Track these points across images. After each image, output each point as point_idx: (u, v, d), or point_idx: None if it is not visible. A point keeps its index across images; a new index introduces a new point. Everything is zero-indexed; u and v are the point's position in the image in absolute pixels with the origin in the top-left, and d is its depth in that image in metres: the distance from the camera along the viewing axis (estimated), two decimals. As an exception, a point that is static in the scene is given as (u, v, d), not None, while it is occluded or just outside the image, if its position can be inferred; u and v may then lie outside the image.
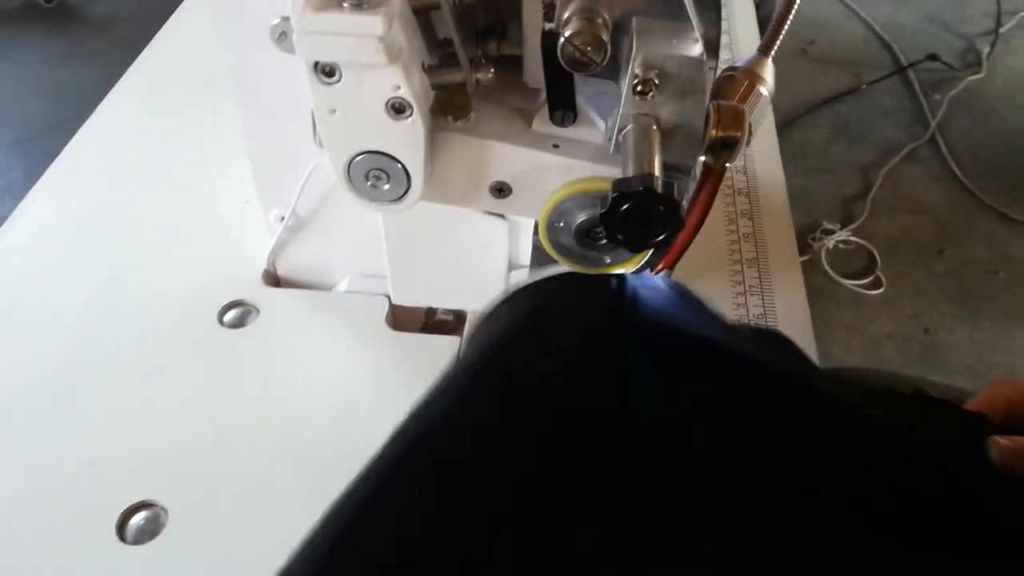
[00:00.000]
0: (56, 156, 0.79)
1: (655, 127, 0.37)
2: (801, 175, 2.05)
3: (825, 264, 1.80)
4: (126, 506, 0.52)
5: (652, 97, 0.36)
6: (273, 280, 0.68)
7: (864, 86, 2.28)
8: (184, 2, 1.01)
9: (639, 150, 0.35)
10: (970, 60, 2.41)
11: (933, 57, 2.34)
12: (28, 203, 0.74)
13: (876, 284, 1.80)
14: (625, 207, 0.33)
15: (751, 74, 0.48)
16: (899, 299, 1.79)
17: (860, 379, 0.56)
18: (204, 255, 0.69)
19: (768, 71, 0.49)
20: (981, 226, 1.92)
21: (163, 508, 0.53)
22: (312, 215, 0.64)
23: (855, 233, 1.91)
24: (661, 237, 0.34)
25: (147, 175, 0.78)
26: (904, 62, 2.37)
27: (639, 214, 0.33)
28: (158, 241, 0.71)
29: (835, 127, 2.21)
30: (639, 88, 0.35)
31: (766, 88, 0.48)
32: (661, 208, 0.33)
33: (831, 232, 1.87)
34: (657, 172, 0.34)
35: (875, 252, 1.86)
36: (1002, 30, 2.46)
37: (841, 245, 1.87)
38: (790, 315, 0.65)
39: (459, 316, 0.67)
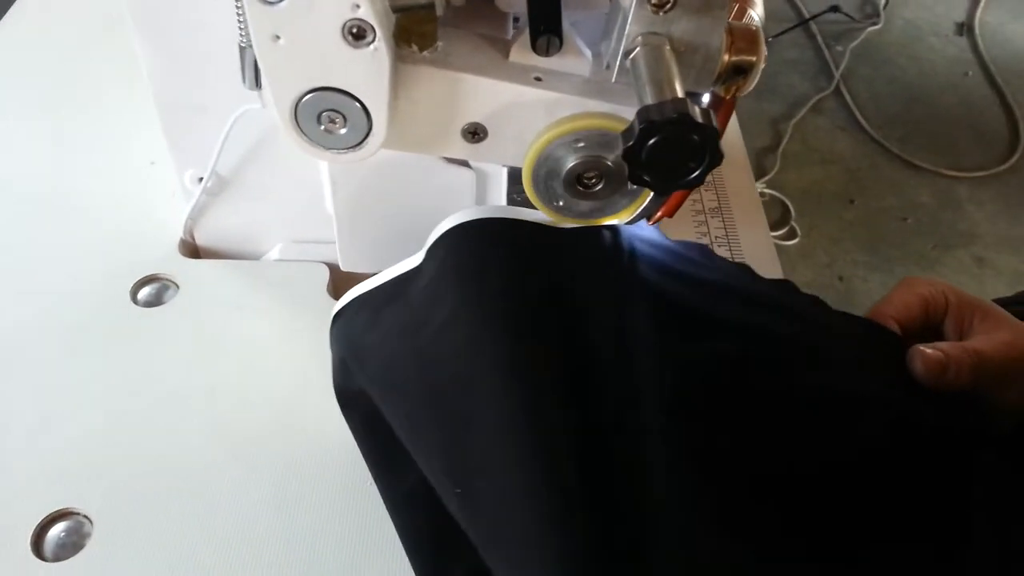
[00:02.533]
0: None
1: (668, 47, 0.31)
2: (715, 129, 2.05)
3: (743, 216, 1.81)
4: (42, 517, 0.45)
5: (667, 11, 0.30)
6: (192, 251, 0.60)
7: (770, 39, 2.30)
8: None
9: (656, 74, 0.30)
10: (868, 11, 2.46)
11: (834, 8, 2.38)
12: None
13: (791, 235, 1.82)
14: (655, 140, 0.27)
15: (741, -2, 0.43)
16: (814, 249, 1.82)
17: None
18: (107, 227, 0.60)
19: (757, -5, 0.44)
20: (888, 175, 1.97)
21: (85, 517, 0.45)
22: (235, 174, 0.56)
23: (769, 185, 1.92)
24: (695, 174, 0.29)
25: (31, 139, 0.67)
26: (806, 14, 2.39)
27: (671, 147, 0.28)
28: (52, 216, 0.61)
29: (744, 80, 2.22)
30: (655, 1, 0.30)
31: (756, 13, 0.43)
32: (696, 138, 0.27)
33: (746, 185, 1.88)
34: (681, 95, 0.29)
35: (789, 203, 1.88)
36: (896, -19, 2.51)
37: (756, 197, 1.89)
38: (760, 265, 0.61)
39: (408, 282, 0.61)
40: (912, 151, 2.01)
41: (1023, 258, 1.80)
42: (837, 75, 2.21)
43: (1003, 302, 0.48)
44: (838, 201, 1.91)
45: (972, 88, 2.23)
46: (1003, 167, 1.99)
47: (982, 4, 2.48)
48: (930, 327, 0.46)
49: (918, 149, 2.01)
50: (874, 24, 2.39)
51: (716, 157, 0.28)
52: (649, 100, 0.29)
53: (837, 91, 2.18)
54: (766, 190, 1.91)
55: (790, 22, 2.36)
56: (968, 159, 2.01)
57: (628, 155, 0.28)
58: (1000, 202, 1.92)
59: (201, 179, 0.56)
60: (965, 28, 2.43)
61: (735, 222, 0.64)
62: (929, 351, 0.41)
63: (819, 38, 2.34)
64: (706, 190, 0.66)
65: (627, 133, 0.28)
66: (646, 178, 0.29)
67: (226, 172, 0.56)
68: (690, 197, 0.65)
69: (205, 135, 0.53)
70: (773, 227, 1.82)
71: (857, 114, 2.11)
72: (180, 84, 0.50)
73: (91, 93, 0.71)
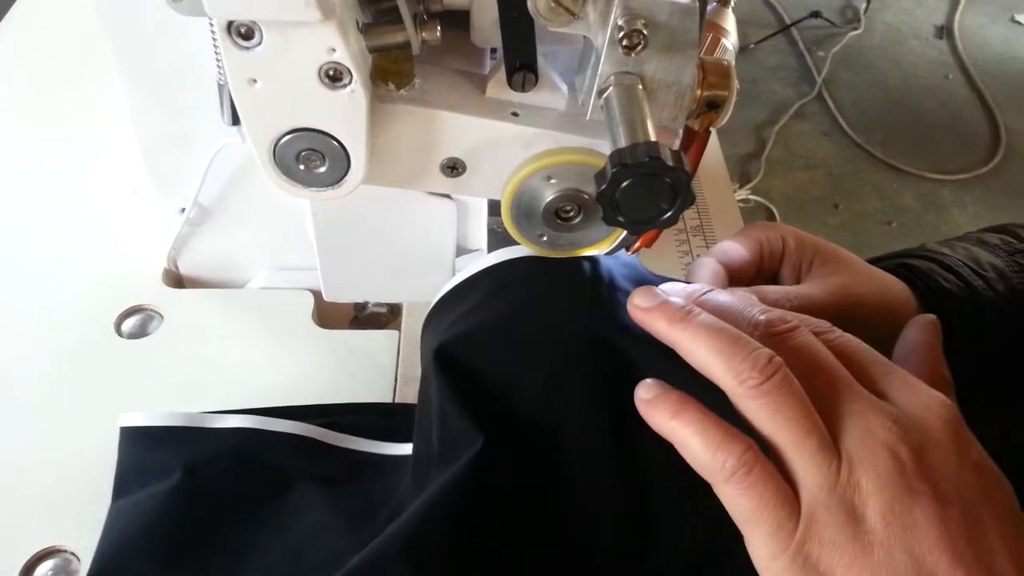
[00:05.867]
0: None
1: (640, 87, 0.32)
2: (699, 136, 2.06)
3: (729, 224, 1.83)
4: (29, 555, 0.45)
5: (639, 52, 0.31)
6: (176, 280, 0.60)
7: (752, 45, 2.32)
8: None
9: (629, 114, 0.30)
10: (849, 16, 2.48)
11: (816, 14, 2.40)
12: None
13: (778, 241, 1.83)
14: (627, 183, 0.28)
15: (714, 26, 0.44)
16: (799, 254, 1.83)
17: None
18: (90, 258, 0.60)
19: (730, 22, 0.45)
20: (871, 179, 1.98)
21: (73, 554, 0.45)
22: (217, 204, 0.56)
23: (754, 191, 1.94)
24: (667, 215, 0.29)
25: (12, 168, 0.67)
26: (787, 20, 2.41)
27: (644, 189, 0.28)
28: (32, 247, 0.61)
29: (727, 87, 2.23)
30: (625, 42, 0.30)
31: (730, 41, 0.44)
32: (668, 181, 0.28)
33: (732, 191, 1.89)
34: (653, 138, 0.29)
35: (774, 209, 1.90)
36: (876, -14, 2.53)
37: (741, 204, 1.89)
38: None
39: (393, 309, 0.61)
40: (895, 155, 2.02)
41: (1006, 259, 1.81)
42: (819, 80, 2.23)
43: (874, 260, 0.47)
44: (823, 206, 1.92)
45: (953, 91, 2.25)
46: (985, 169, 2.01)
47: (961, 7, 2.51)
48: (767, 272, 0.44)
49: (901, 152, 2.03)
50: (855, 29, 2.41)
51: (687, 199, 0.29)
52: (622, 142, 0.29)
53: (819, 96, 2.20)
54: (751, 196, 1.93)
55: (771, 28, 2.38)
56: (951, 161, 2.03)
57: (601, 198, 0.29)
58: (983, 204, 1.94)
59: (183, 209, 0.56)
60: (944, 31, 2.46)
61: (717, 238, 0.65)
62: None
63: (800, 44, 2.36)
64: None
65: (600, 176, 0.29)
66: (620, 219, 0.29)
67: (207, 201, 0.56)
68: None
69: (186, 166, 0.53)
70: (759, 234, 1.83)
71: (840, 119, 2.13)
72: (160, 116, 0.51)
73: (72, 121, 0.71)
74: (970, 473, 0.30)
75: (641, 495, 0.36)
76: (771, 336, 0.33)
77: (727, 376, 0.31)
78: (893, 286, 0.44)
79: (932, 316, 0.39)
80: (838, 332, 0.34)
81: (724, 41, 0.43)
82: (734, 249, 0.43)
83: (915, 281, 0.44)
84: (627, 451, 0.36)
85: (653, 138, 0.29)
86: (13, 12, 0.83)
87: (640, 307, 0.34)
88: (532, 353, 0.37)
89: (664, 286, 0.37)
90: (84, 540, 0.46)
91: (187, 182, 0.54)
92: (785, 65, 2.31)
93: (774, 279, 0.44)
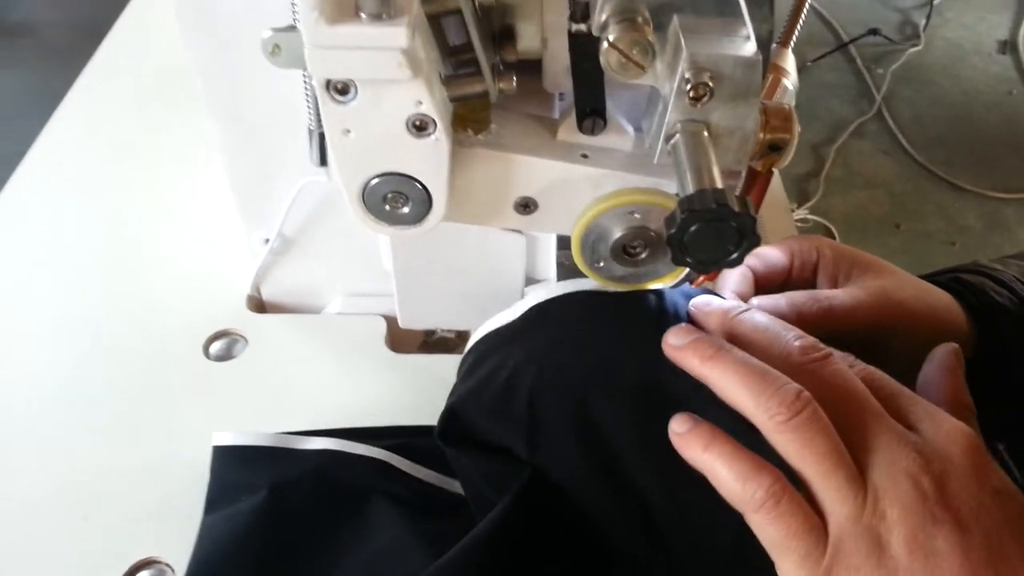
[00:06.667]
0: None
1: (706, 133, 0.34)
2: (755, 156, 2.06)
3: (786, 244, 1.82)
4: (128, 566, 0.48)
5: (705, 103, 0.33)
6: (258, 306, 0.64)
7: (809, 63, 2.31)
8: (126, 10, 0.95)
9: (696, 161, 0.32)
10: (908, 33, 2.46)
11: (874, 31, 2.38)
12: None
13: (836, 261, 1.81)
14: (696, 227, 0.30)
15: (775, 67, 0.46)
16: (859, 274, 1.81)
17: None
18: (181, 284, 0.64)
19: (790, 63, 0.47)
20: (934, 198, 1.95)
21: (167, 566, 0.48)
22: (299, 235, 0.59)
23: (812, 211, 1.92)
24: (733, 256, 0.31)
25: (106, 202, 0.72)
26: (845, 38, 2.40)
27: (711, 233, 0.30)
28: (128, 275, 0.65)
29: (784, 106, 2.23)
30: (691, 94, 0.33)
31: (790, 81, 0.46)
32: (734, 225, 0.30)
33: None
34: (720, 184, 0.31)
35: (833, 229, 1.88)
36: (935, 2, 2.50)
37: (799, 224, 1.89)
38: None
39: (461, 333, 0.64)
40: (957, 173, 1.99)
41: (1075, 279, 1.77)
42: (878, 98, 2.21)
43: (926, 276, 0.47)
44: (883, 226, 1.90)
45: (1016, 107, 2.21)
46: (1051, 187, 1.97)
47: (1025, 21, 2.46)
48: (800, 282, 0.44)
49: (963, 171, 2.00)
50: (914, 46, 2.38)
51: (753, 242, 0.31)
52: (690, 187, 0.32)
53: (879, 114, 2.18)
54: (810, 216, 1.91)
55: (829, 46, 2.36)
56: (1014, 179, 1.99)
57: (671, 240, 0.31)
58: (1049, 223, 1.90)
59: (267, 240, 0.59)
60: (1008, 46, 2.41)
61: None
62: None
63: (859, 61, 2.34)
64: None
65: (670, 220, 0.31)
66: (688, 260, 0.31)
67: (290, 232, 0.59)
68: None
69: (271, 201, 0.57)
70: (817, 253, 1.81)
71: (900, 137, 2.11)
72: (250, 156, 0.54)
73: (159, 154, 0.76)
74: (991, 499, 0.31)
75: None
76: (804, 364, 0.34)
77: (757, 412, 0.32)
78: (937, 294, 0.44)
79: (954, 344, 0.39)
80: (862, 364, 0.36)
81: (784, 81, 0.45)
82: (767, 254, 0.44)
83: (966, 295, 0.44)
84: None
85: (719, 183, 0.32)
86: (103, 47, 0.89)
87: (673, 346, 0.36)
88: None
89: (700, 299, 0.39)
90: (178, 552, 0.49)
91: (272, 215, 0.57)
92: (843, 83, 2.30)
93: (811, 286, 0.44)
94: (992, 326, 0.41)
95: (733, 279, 0.43)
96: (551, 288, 0.43)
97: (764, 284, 0.43)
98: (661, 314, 0.40)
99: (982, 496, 0.31)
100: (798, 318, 0.39)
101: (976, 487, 0.31)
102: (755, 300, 0.40)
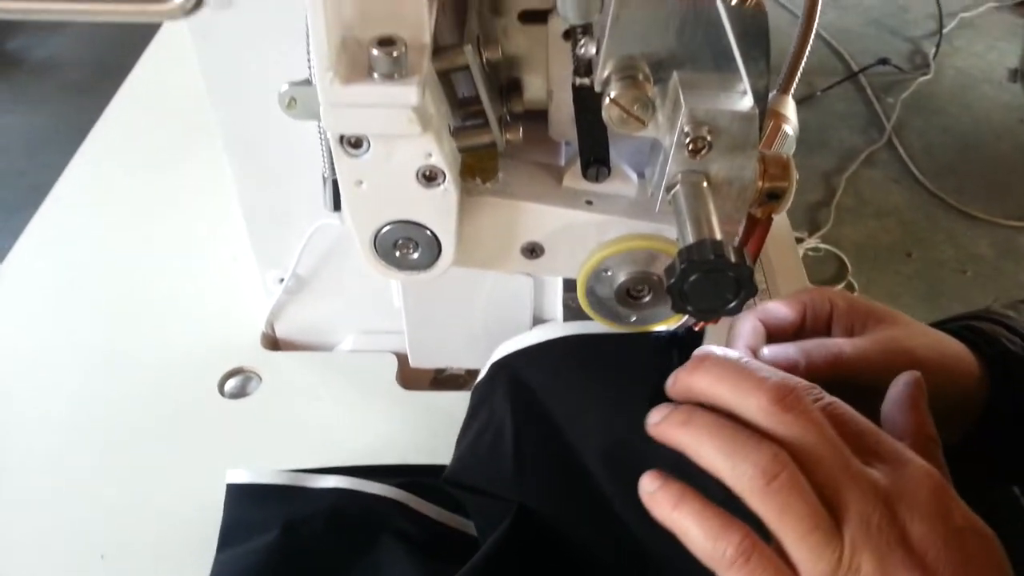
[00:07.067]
0: (10, 209, 0.75)
1: (705, 183, 0.35)
2: (766, 185, 2.07)
3: (798, 273, 1.82)
4: (141, 606, 0.49)
5: (704, 155, 0.34)
6: (272, 343, 0.65)
7: (818, 93, 2.32)
8: (146, 53, 0.98)
9: (696, 211, 0.34)
10: (918, 62, 2.47)
11: (884, 61, 2.39)
12: (1, 275, 0.70)
13: (848, 290, 1.81)
14: (695, 278, 0.31)
15: (775, 114, 0.47)
16: (871, 303, 1.81)
17: None
18: (197, 321, 0.66)
19: (790, 109, 0.48)
20: (945, 226, 1.95)
21: (181, 603, 0.49)
22: (312, 275, 0.61)
23: (823, 240, 1.93)
24: (732, 305, 0.32)
25: (125, 239, 0.74)
26: (855, 67, 2.41)
27: (710, 284, 0.31)
28: (146, 312, 0.67)
29: (794, 135, 2.24)
30: (691, 146, 0.34)
31: (790, 127, 0.47)
32: (731, 275, 0.31)
33: (800, 240, 1.88)
34: (719, 235, 0.33)
35: (844, 258, 1.88)
36: (945, 31, 2.52)
37: (811, 253, 1.89)
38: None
39: (471, 371, 0.65)
40: (968, 201, 1.99)
41: (1090, 308, 1.76)
42: (888, 127, 2.21)
43: (938, 323, 0.47)
44: (894, 254, 1.90)
45: (1028, 135, 2.21)
46: (1064, 215, 1.96)
47: (1035, 49, 2.47)
48: (813, 334, 0.44)
49: (975, 199, 2.00)
50: (924, 74, 2.39)
51: (750, 291, 0.32)
52: (690, 237, 0.33)
53: (889, 143, 2.19)
54: (821, 245, 1.92)
55: (839, 75, 2.38)
56: (1027, 208, 1.99)
57: (671, 290, 0.32)
58: (1062, 251, 1.89)
59: (282, 280, 0.61)
60: (1019, 74, 2.42)
61: (778, 288, 0.67)
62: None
63: (869, 90, 2.35)
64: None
65: (670, 270, 0.32)
66: (688, 308, 0.32)
67: (304, 272, 0.61)
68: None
69: (286, 241, 0.58)
70: (829, 283, 1.81)
71: (911, 165, 2.11)
72: (265, 198, 0.56)
73: (178, 194, 0.78)
74: (956, 538, 0.32)
75: None
76: (775, 414, 0.34)
77: (734, 477, 0.33)
78: (948, 342, 0.44)
79: (916, 373, 0.39)
80: (828, 397, 0.35)
81: (784, 127, 0.46)
82: (776, 309, 0.44)
83: (979, 343, 0.45)
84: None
85: (718, 234, 0.33)
86: (126, 86, 0.92)
87: (652, 423, 0.37)
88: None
89: (700, 350, 0.39)
90: (193, 588, 0.50)
91: (286, 255, 0.59)
92: (853, 112, 2.31)
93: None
94: (1005, 374, 0.42)
95: (745, 329, 0.43)
96: (555, 328, 0.44)
97: (775, 336, 0.43)
98: (646, 363, 0.41)
99: (948, 536, 0.32)
100: (807, 364, 0.40)
101: (943, 527, 0.32)
102: (766, 350, 0.41)
